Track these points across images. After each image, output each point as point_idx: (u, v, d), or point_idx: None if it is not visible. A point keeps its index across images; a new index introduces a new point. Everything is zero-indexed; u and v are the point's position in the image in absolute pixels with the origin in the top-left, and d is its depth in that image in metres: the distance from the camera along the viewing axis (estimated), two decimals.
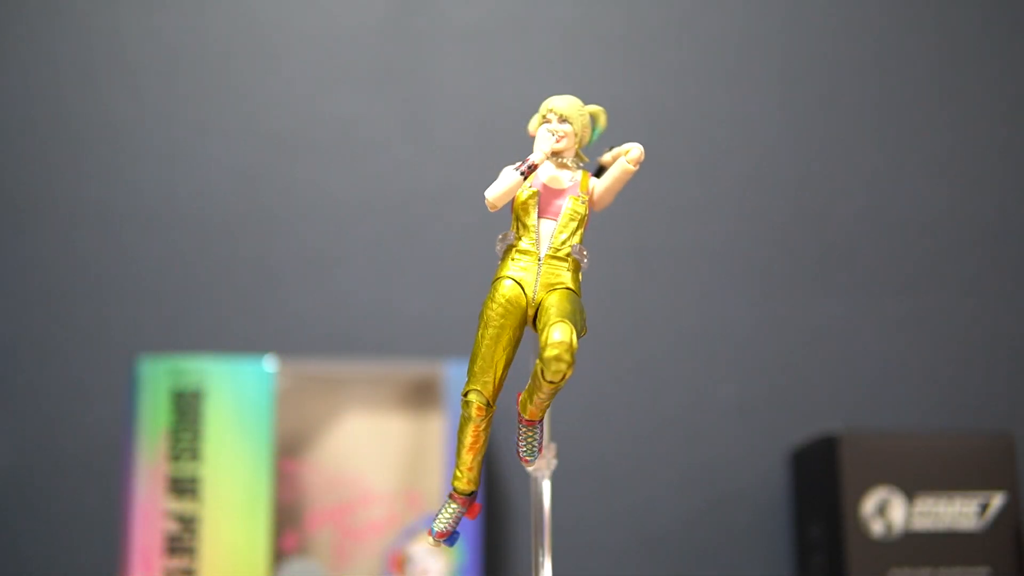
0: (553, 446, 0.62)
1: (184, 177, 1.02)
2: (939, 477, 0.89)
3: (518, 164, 0.58)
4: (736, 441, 1.01)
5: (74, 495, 0.97)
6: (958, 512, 0.89)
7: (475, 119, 1.04)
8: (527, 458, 0.58)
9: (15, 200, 1.01)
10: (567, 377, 0.54)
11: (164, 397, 0.89)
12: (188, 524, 0.88)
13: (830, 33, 1.07)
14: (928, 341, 1.03)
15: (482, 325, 0.57)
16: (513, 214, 0.58)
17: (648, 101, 1.05)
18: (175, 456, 0.89)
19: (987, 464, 0.90)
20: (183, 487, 0.88)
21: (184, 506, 0.88)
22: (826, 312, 1.03)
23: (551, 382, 0.54)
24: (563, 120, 0.59)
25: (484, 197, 0.57)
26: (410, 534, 0.89)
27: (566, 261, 0.58)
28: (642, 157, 0.58)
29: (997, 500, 0.89)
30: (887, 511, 0.88)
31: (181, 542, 0.88)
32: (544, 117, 0.59)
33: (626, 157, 0.58)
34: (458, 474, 0.59)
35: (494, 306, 0.57)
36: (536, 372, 0.54)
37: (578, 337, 0.55)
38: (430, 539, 0.60)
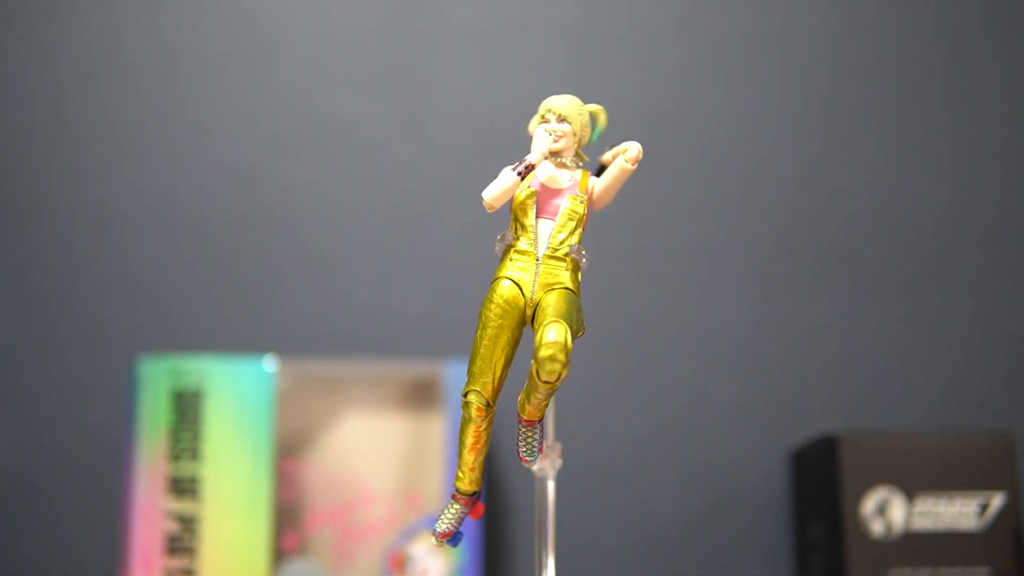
0: (558, 446, 0.62)
1: (184, 177, 1.02)
2: (939, 477, 0.89)
3: (515, 164, 0.58)
4: (736, 441, 1.01)
5: (74, 495, 0.97)
6: (958, 512, 0.89)
7: (475, 119, 1.04)
8: (527, 458, 0.58)
9: (15, 200, 1.01)
10: (563, 377, 0.54)
11: (164, 397, 0.89)
12: (188, 524, 0.88)
13: (830, 33, 1.07)
14: (928, 341, 1.03)
15: (481, 326, 0.57)
16: (512, 214, 0.58)
17: (648, 101, 1.05)
18: (175, 456, 0.89)
19: (987, 464, 0.90)
20: (183, 487, 0.88)
21: (184, 506, 0.88)
22: (826, 312, 1.03)
23: (546, 382, 0.54)
24: (561, 120, 0.59)
25: (481, 198, 0.57)
26: (410, 534, 0.89)
27: (564, 261, 0.58)
28: (640, 156, 0.58)
29: (997, 500, 0.89)
30: (887, 511, 0.88)
31: (181, 542, 0.88)
32: (543, 117, 0.59)
33: (624, 156, 0.58)
34: (460, 475, 0.59)
35: (492, 307, 0.57)
36: (532, 372, 0.54)
37: (575, 337, 0.55)
38: (433, 539, 0.60)
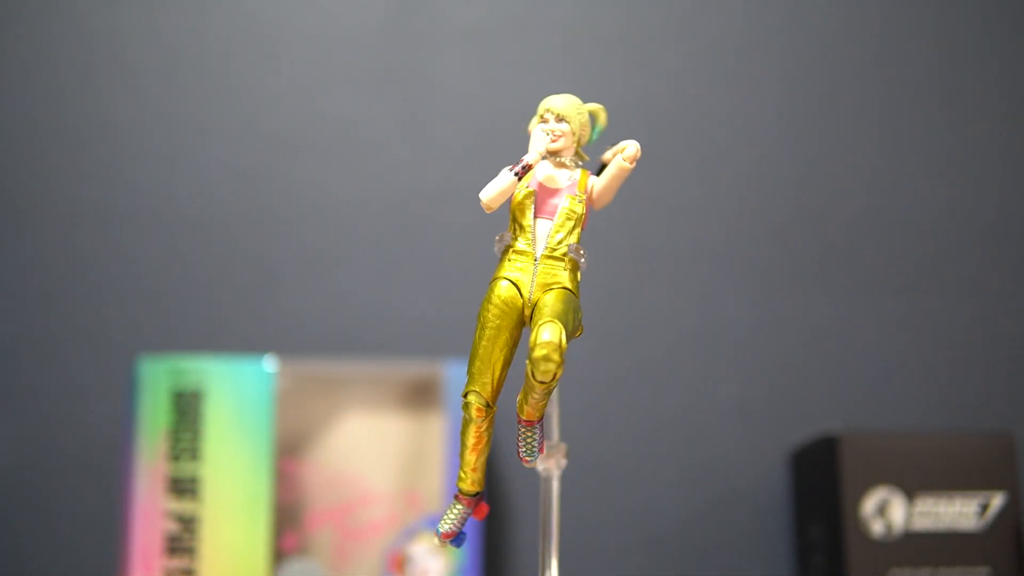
0: (563, 446, 0.62)
1: (184, 177, 1.02)
2: (939, 477, 0.89)
3: (513, 165, 0.58)
4: (736, 441, 1.01)
5: (74, 495, 0.97)
6: (958, 512, 0.89)
7: (475, 119, 1.04)
8: (527, 458, 0.57)
9: (15, 200, 1.01)
10: (558, 377, 0.54)
11: (164, 397, 0.89)
12: (188, 524, 0.88)
13: (830, 33, 1.07)
14: (928, 341, 1.03)
15: (479, 326, 0.57)
16: (510, 214, 0.58)
17: (648, 101, 1.05)
18: (175, 456, 0.89)
19: (987, 464, 0.89)
20: (183, 487, 0.88)
21: (184, 506, 0.88)
22: (826, 312, 1.03)
23: (541, 382, 0.54)
24: (560, 119, 0.59)
25: (479, 199, 0.57)
26: (410, 534, 0.89)
27: (563, 261, 0.58)
28: (638, 154, 0.58)
29: (997, 500, 0.89)
30: (887, 511, 0.88)
31: (181, 542, 0.88)
32: (541, 117, 0.59)
33: (622, 155, 0.58)
34: (462, 475, 0.59)
35: (490, 307, 0.57)
36: (528, 373, 0.54)
37: (574, 337, 0.55)
38: (436, 540, 0.60)
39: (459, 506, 0.60)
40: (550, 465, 0.61)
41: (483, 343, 0.57)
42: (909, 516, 0.88)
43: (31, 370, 0.99)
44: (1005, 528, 0.88)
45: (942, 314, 1.03)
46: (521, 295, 0.57)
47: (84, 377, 0.98)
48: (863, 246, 1.04)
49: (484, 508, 0.61)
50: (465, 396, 0.57)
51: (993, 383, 1.03)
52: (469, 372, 0.57)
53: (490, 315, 0.57)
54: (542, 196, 0.58)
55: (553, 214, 0.58)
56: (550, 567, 0.60)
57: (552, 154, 0.59)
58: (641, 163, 0.58)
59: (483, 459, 0.59)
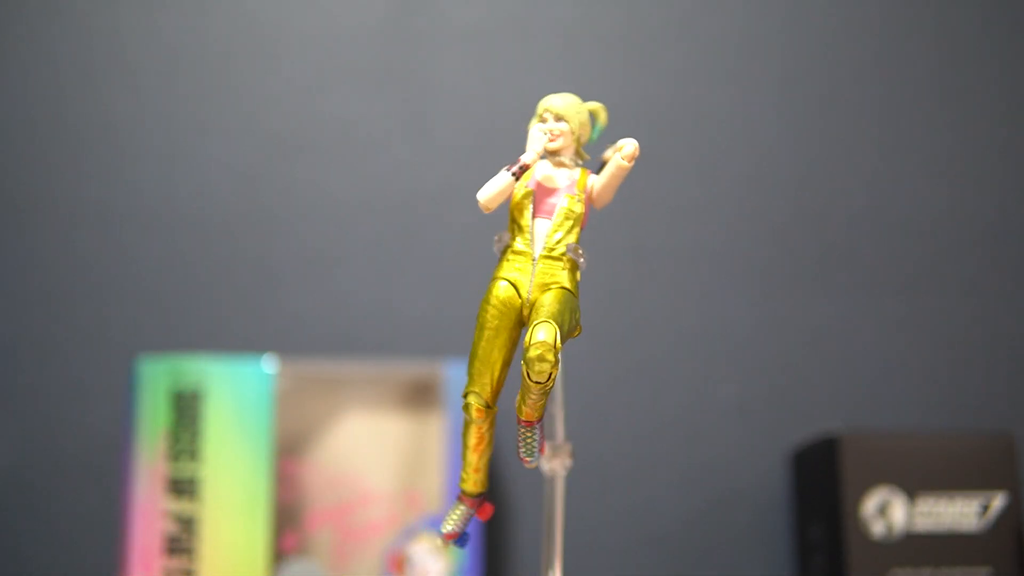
0: (568, 446, 0.62)
1: (184, 177, 1.02)
2: (940, 477, 0.89)
3: (510, 165, 0.58)
4: (736, 441, 1.01)
5: (74, 495, 0.97)
6: (959, 512, 0.89)
7: (475, 119, 1.04)
8: (527, 459, 0.57)
9: (15, 200, 1.01)
10: (553, 376, 0.54)
11: (163, 397, 0.89)
12: (188, 524, 0.88)
13: (830, 33, 1.07)
14: (928, 341, 1.03)
15: (478, 327, 0.57)
16: (509, 214, 0.58)
17: (648, 101, 1.05)
18: (174, 456, 0.89)
19: (988, 464, 0.89)
20: (182, 487, 0.88)
21: (183, 506, 0.88)
22: (826, 312, 1.03)
23: (536, 382, 0.54)
24: (559, 119, 0.59)
25: (476, 199, 0.57)
26: (410, 534, 0.89)
27: (561, 260, 0.58)
28: (636, 153, 0.58)
29: (998, 500, 0.89)
30: (888, 511, 0.88)
31: (181, 542, 0.88)
32: (540, 116, 0.59)
33: (620, 154, 0.58)
34: (464, 476, 0.59)
35: (489, 308, 0.57)
36: (523, 373, 0.54)
37: (569, 336, 0.55)
38: (439, 540, 0.60)
39: (462, 507, 0.60)
40: (555, 465, 0.61)
41: (482, 344, 0.57)
42: (910, 516, 0.88)
43: (31, 370, 0.99)
44: (1006, 528, 0.88)
45: (942, 314, 1.03)
46: (519, 295, 0.57)
47: (84, 377, 0.98)
48: (863, 246, 1.04)
49: (489, 508, 0.61)
50: (465, 397, 0.57)
51: (993, 383, 1.03)
52: (469, 373, 0.57)
53: (489, 316, 0.57)
54: (540, 196, 0.58)
55: (551, 214, 0.58)
56: (554, 567, 0.60)
57: (551, 154, 0.59)
58: (641, 163, 0.58)
59: (485, 459, 0.59)
